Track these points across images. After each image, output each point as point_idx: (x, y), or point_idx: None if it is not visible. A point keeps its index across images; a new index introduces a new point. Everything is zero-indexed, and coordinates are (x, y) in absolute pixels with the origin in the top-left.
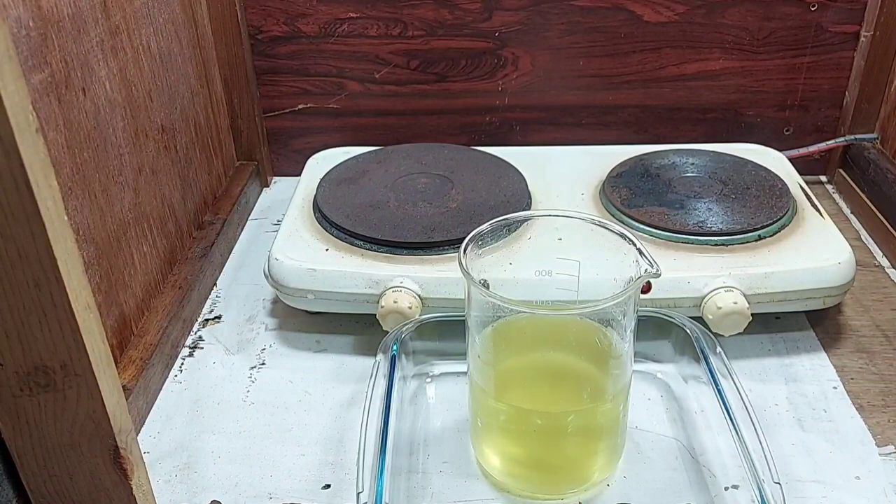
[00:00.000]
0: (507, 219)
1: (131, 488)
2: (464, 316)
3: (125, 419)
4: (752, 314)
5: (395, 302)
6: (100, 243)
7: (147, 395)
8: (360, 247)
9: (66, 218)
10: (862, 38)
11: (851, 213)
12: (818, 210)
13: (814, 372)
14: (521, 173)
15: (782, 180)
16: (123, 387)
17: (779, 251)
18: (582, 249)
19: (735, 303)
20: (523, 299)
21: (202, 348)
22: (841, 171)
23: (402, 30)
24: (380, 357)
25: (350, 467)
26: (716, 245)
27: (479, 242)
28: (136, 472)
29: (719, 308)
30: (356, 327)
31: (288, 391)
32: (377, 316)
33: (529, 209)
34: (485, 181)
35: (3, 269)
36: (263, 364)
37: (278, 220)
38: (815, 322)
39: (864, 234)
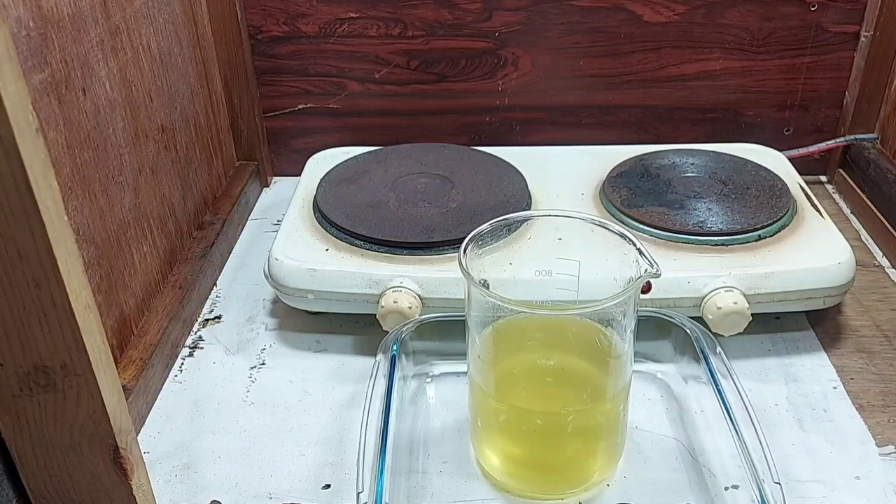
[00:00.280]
0: (507, 219)
1: (131, 488)
2: (464, 316)
3: (125, 419)
4: (752, 314)
5: (395, 302)
6: (100, 243)
7: (147, 395)
8: (360, 247)
9: (66, 218)
10: (862, 38)
11: (851, 213)
12: (818, 210)
13: (814, 372)
14: (521, 173)
15: (782, 180)
16: (123, 387)
17: (779, 251)
18: (582, 249)
19: (735, 303)
20: (523, 299)
21: (202, 348)
22: (841, 171)
23: (402, 30)
24: (380, 357)
25: (350, 467)
26: (716, 245)
27: (479, 242)
28: (136, 472)
29: (719, 308)
30: (356, 327)
31: (288, 391)
32: (377, 316)
33: (529, 209)
34: (485, 181)
35: (3, 269)
36: (263, 364)
37: (278, 220)
38: (815, 322)
39: (864, 234)
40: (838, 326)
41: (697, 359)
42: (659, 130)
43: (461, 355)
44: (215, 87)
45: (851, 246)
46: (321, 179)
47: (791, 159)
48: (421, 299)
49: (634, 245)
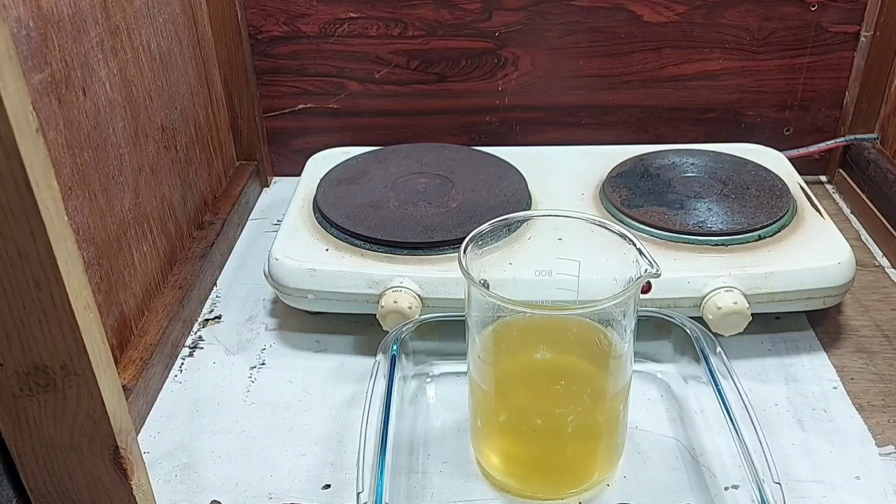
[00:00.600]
0: (507, 219)
1: (131, 488)
2: (464, 316)
3: (125, 419)
4: (752, 314)
5: (395, 302)
6: (100, 243)
7: (147, 395)
8: (360, 247)
9: (66, 218)
10: (862, 38)
11: (851, 213)
12: (818, 210)
13: (814, 372)
14: (521, 173)
15: (782, 180)
16: (123, 387)
17: (779, 251)
18: (582, 249)
19: (735, 303)
20: (523, 299)
21: (202, 348)
22: (841, 171)
23: (402, 30)
24: (380, 357)
25: (350, 467)
26: (716, 245)
27: (479, 242)
28: (136, 472)
29: (719, 308)
30: (356, 327)
31: (288, 391)
32: (377, 316)
33: (529, 209)
34: (485, 181)
35: (3, 269)
36: (263, 364)
37: (278, 220)
38: (815, 322)
39: (864, 234)
40: (838, 326)
41: (697, 359)
42: (659, 130)
43: (461, 355)
44: (215, 87)
45: (851, 246)
46: (321, 179)
47: (791, 159)
48: (421, 299)
49: (634, 245)
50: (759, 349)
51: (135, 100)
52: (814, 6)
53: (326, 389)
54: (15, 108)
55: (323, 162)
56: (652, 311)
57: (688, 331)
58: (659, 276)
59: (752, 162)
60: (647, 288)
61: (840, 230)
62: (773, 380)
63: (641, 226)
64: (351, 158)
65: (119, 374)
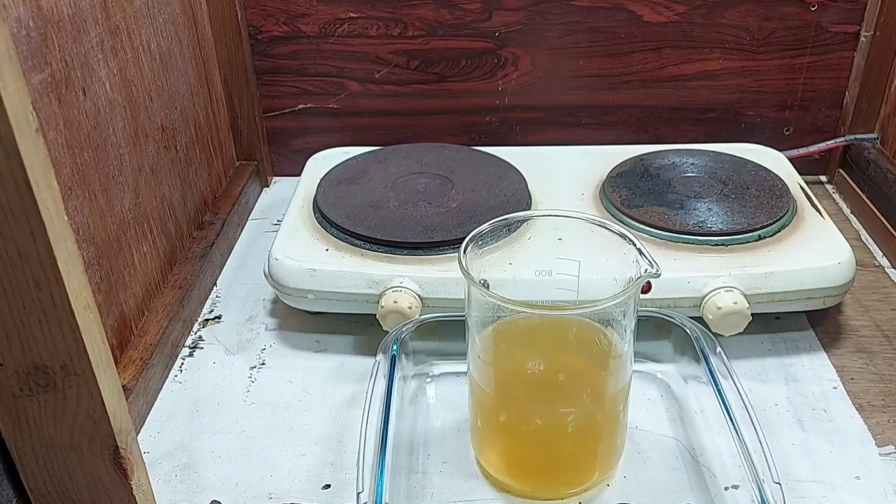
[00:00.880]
0: (507, 219)
1: (131, 488)
2: (464, 316)
3: (125, 419)
4: (752, 314)
5: (395, 302)
6: (100, 243)
7: (147, 395)
8: (360, 247)
9: (66, 218)
10: (862, 38)
11: (851, 213)
12: (818, 210)
13: (814, 372)
14: (521, 173)
15: (782, 180)
16: (123, 387)
17: (779, 251)
18: (582, 249)
19: (735, 303)
20: (523, 299)
21: (202, 348)
22: (841, 171)
23: (402, 30)
24: (380, 357)
25: (350, 467)
26: (716, 245)
27: (479, 242)
28: (136, 472)
29: (719, 308)
30: (356, 327)
31: (288, 391)
32: (377, 316)
33: (529, 209)
34: (485, 181)
35: (3, 269)
36: (263, 364)
37: (278, 220)
38: (815, 322)
39: (864, 234)
40: (838, 326)
41: (697, 359)
42: (659, 130)
43: (461, 355)
44: (215, 87)
45: (851, 246)
46: (321, 179)
47: (791, 159)
48: (421, 299)
49: (634, 245)
50: (759, 349)
51: (135, 100)
52: (814, 6)
53: (326, 389)
54: (15, 108)
55: (323, 162)
56: (652, 311)
57: (688, 331)
58: (659, 276)
59: (752, 162)
60: (647, 288)
61: (840, 230)
62: (773, 380)
63: (641, 226)
64: (351, 158)
65: (119, 374)
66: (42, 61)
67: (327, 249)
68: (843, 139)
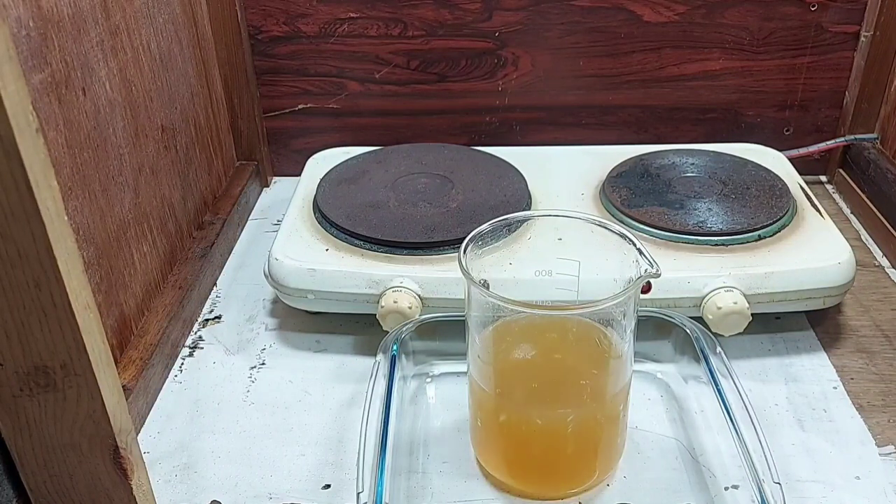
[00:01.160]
0: (507, 219)
1: (131, 488)
2: (464, 316)
3: (125, 419)
4: (752, 314)
5: (395, 302)
6: (100, 243)
7: (147, 395)
8: (360, 247)
9: (66, 218)
10: (862, 38)
11: (851, 213)
12: (818, 210)
13: (814, 372)
14: (521, 173)
15: (782, 180)
16: (123, 387)
17: (779, 251)
18: (582, 249)
19: (735, 303)
20: (523, 299)
21: (202, 348)
22: (841, 171)
23: (402, 30)
24: (380, 357)
25: (350, 467)
26: (716, 245)
27: (479, 242)
28: (136, 472)
29: (719, 308)
30: (356, 327)
31: (288, 391)
32: (377, 316)
33: (529, 209)
34: (485, 181)
35: (3, 269)
36: (263, 364)
37: (278, 220)
38: (815, 322)
39: (864, 234)
40: (838, 326)
41: (697, 359)
42: (659, 130)
43: (461, 355)
44: (215, 87)
45: (851, 246)
46: (321, 179)
47: (791, 159)
48: (421, 299)
49: (634, 245)
50: (759, 349)
51: (135, 100)
52: (814, 6)
53: (326, 389)
54: (15, 108)
55: (323, 162)
56: (652, 311)
57: (688, 331)
58: (659, 276)
59: (752, 162)
60: (647, 288)
61: (840, 230)
62: (773, 380)
63: (641, 226)
64: (351, 158)
65: (119, 374)
66: (42, 61)
67: (327, 249)
68: (843, 139)
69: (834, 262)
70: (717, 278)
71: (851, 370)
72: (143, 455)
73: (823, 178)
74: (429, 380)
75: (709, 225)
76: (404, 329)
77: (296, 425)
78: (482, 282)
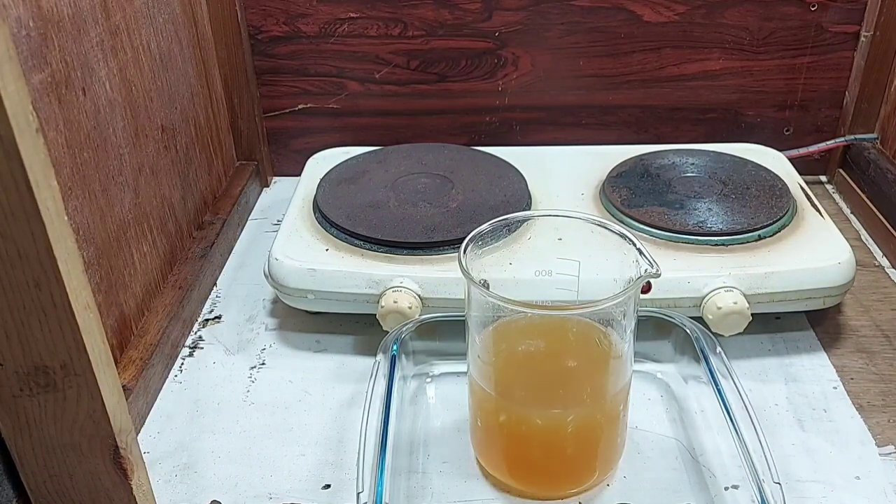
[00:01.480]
0: (507, 219)
1: (131, 488)
2: (464, 316)
3: (125, 419)
4: (752, 314)
5: (395, 302)
6: (100, 243)
7: (147, 395)
8: (360, 247)
9: (66, 218)
10: (862, 38)
11: (851, 213)
12: (818, 210)
13: (814, 372)
14: (521, 173)
15: (782, 180)
16: (123, 387)
17: (779, 251)
18: (582, 249)
19: (735, 303)
20: (523, 299)
21: (202, 348)
22: (841, 171)
23: (402, 30)
24: (380, 357)
25: (350, 467)
26: (716, 245)
27: (479, 242)
28: (136, 472)
29: (719, 308)
30: (356, 327)
31: (288, 391)
32: (377, 316)
33: (529, 209)
34: (485, 181)
35: (3, 269)
36: (263, 364)
37: (278, 220)
38: (815, 322)
39: (864, 234)
40: (838, 326)
41: (697, 359)
42: (659, 130)
43: (461, 355)
44: (215, 87)
45: (851, 246)
46: (321, 179)
47: (791, 159)
48: (421, 299)
49: (634, 245)
50: (759, 349)
51: (135, 100)
52: (814, 6)
53: (326, 389)
54: (15, 108)
55: (323, 162)
56: (652, 311)
57: (688, 331)
58: (659, 276)
59: (752, 162)
60: (647, 288)
61: (840, 230)
62: (773, 380)
63: (641, 226)
64: (351, 158)
65: (119, 374)
66: (42, 61)
67: (327, 249)
68: (843, 139)
69: (834, 262)
70: (717, 278)
71: (851, 370)
72: (143, 455)
73: (823, 178)
74: (429, 380)
75: (709, 225)
76: (404, 329)
77: (296, 425)
78: (482, 282)
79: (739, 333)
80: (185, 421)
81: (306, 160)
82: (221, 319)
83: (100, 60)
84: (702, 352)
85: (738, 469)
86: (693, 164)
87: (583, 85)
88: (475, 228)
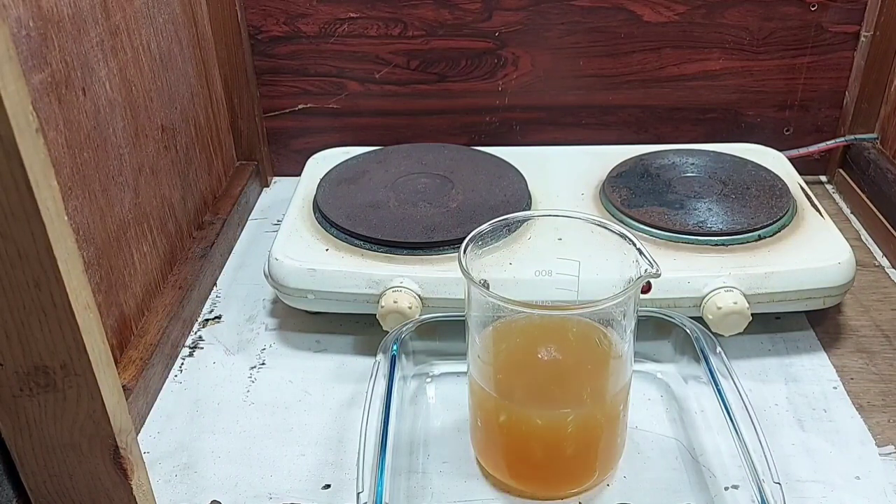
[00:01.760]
0: (507, 219)
1: (131, 488)
2: (464, 316)
3: (125, 419)
4: (752, 314)
5: (395, 302)
6: (100, 243)
7: (147, 395)
8: (360, 247)
9: (66, 218)
10: (862, 38)
11: (851, 213)
12: (818, 210)
13: (814, 372)
14: (521, 173)
15: (782, 180)
16: (123, 387)
17: (779, 251)
18: (582, 249)
19: (735, 303)
20: (523, 299)
21: (202, 348)
22: (841, 171)
23: (402, 30)
24: (380, 357)
25: (350, 467)
26: (716, 245)
27: (479, 242)
28: (136, 472)
29: (719, 308)
30: (356, 327)
31: (288, 391)
32: (377, 316)
33: (529, 209)
34: (485, 181)
35: (3, 269)
36: (263, 364)
37: (278, 220)
38: (815, 322)
39: (864, 234)
40: (838, 326)
41: (697, 359)
42: (659, 130)
43: (461, 355)
44: (215, 87)
45: (851, 246)
46: (321, 179)
47: (791, 159)
48: (421, 299)
49: (634, 245)
50: (759, 349)
51: (135, 100)
52: (814, 6)
53: (326, 389)
54: (15, 108)
55: (323, 162)
56: (652, 311)
57: (688, 331)
58: (659, 276)
59: (752, 162)
60: (647, 288)
61: (840, 230)
62: (773, 380)
63: (641, 226)
64: (351, 158)
65: (119, 374)
66: (42, 61)
67: (327, 249)
68: (843, 139)
69: (834, 262)
70: (717, 278)
71: (851, 370)
72: (143, 455)
73: (823, 178)
74: (429, 380)
75: (709, 225)
76: (404, 329)
77: (296, 425)
78: (482, 282)
79: (739, 333)
80: (185, 421)
81: (306, 160)
82: (221, 319)
83: (100, 60)
84: (702, 352)
85: (738, 469)
86: (693, 164)
87: (583, 85)
88: (475, 228)
